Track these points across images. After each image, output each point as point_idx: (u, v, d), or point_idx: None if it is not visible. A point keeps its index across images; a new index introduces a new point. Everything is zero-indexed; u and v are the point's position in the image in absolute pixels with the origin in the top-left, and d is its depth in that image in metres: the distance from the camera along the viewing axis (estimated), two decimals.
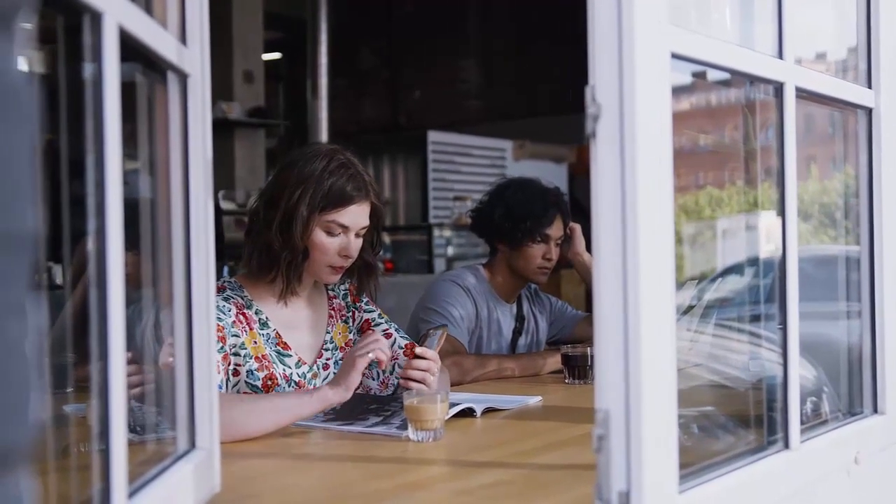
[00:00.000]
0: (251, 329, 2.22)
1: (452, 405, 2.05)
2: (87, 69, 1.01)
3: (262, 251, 2.23)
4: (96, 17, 1.00)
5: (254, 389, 2.19)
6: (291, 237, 2.19)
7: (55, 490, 1.21)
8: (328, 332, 2.38)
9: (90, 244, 1.01)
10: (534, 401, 2.38)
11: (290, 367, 2.25)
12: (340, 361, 2.35)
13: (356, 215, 2.24)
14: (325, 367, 2.35)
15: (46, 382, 0.64)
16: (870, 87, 1.83)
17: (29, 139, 0.58)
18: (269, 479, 1.68)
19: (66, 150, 1.03)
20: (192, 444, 1.38)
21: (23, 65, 0.60)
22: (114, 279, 1.01)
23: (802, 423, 1.57)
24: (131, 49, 1.11)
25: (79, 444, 1.42)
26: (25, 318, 0.58)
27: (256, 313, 2.26)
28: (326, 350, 2.37)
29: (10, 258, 0.56)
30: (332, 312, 2.41)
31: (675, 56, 1.26)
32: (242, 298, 2.25)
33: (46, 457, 1.10)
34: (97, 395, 1.01)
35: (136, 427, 1.36)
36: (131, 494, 1.08)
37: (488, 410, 2.21)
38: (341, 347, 2.39)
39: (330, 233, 2.22)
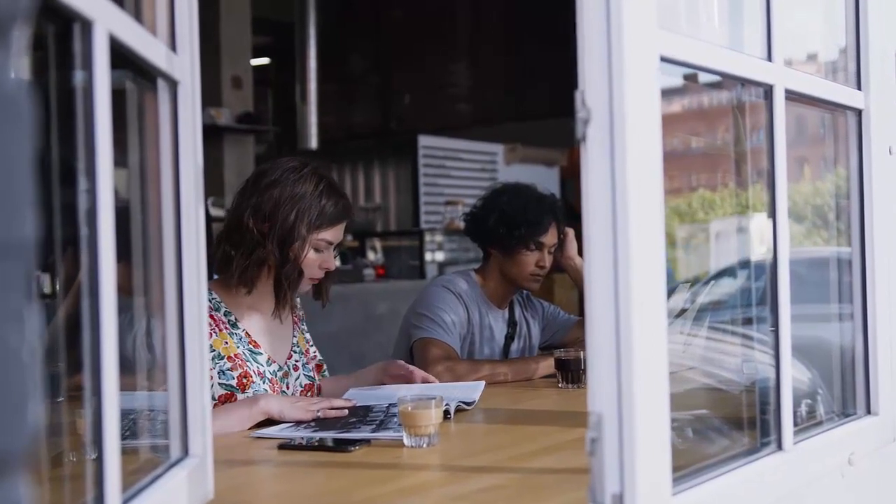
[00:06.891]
0: (221, 330, 2.28)
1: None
2: (78, 76, 1.01)
3: (255, 265, 2.29)
4: (87, 25, 0.99)
5: (228, 389, 2.24)
6: (288, 255, 2.28)
7: (49, 499, 1.20)
8: (294, 337, 2.48)
9: (82, 252, 1.01)
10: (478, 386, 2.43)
11: (262, 365, 2.33)
12: (307, 365, 2.47)
13: (341, 232, 2.38)
14: (295, 368, 2.44)
15: (43, 389, 0.64)
16: (859, 88, 1.84)
17: (27, 147, 0.59)
18: (262, 486, 1.68)
19: (56, 157, 1.03)
20: (186, 452, 1.38)
21: (19, 73, 0.60)
22: (105, 287, 1.01)
23: (797, 425, 1.58)
24: (120, 56, 1.11)
25: (69, 453, 1.42)
26: (24, 326, 0.59)
27: (226, 315, 2.32)
28: (295, 353, 2.46)
29: (10, 265, 0.56)
30: (296, 319, 2.52)
31: (664, 59, 1.27)
32: (210, 301, 2.29)
33: (41, 466, 1.10)
34: (90, 403, 1.00)
35: (126, 434, 1.35)
36: (125, 502, 1.08)
37: (461, 409, 2.24)
38: (304, 352, 2.49)
39: (317, 249, 2.33)
